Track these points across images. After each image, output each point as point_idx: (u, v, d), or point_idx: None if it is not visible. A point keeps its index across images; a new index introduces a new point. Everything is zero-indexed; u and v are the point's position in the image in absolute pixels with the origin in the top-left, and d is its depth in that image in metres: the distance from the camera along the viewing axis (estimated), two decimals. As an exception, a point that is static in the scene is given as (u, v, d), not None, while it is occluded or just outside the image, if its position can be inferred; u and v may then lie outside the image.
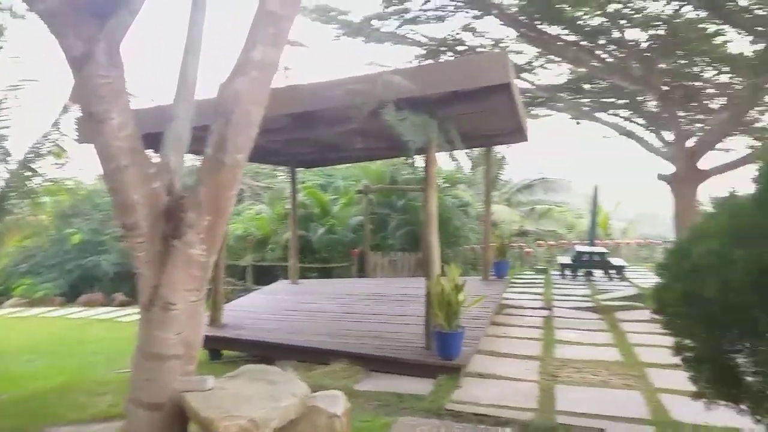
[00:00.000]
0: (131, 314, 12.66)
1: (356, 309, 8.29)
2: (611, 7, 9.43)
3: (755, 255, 2.69)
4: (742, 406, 2.99)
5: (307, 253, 14.58)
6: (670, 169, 10.22)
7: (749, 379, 3.00)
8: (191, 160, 8.18)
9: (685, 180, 9.66)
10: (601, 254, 14.33)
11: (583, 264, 14.29)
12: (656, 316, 3.37)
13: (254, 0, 3.16)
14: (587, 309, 9.74)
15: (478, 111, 6.23)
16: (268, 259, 15.54)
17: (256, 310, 8.41)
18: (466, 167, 21.86)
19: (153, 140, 3.55)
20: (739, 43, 10.01)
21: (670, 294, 2.96)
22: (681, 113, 10.10)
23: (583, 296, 11.16)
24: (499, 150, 21.07)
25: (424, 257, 6.01)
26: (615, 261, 14.59)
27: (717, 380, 3.03)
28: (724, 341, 2.90)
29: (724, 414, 3.37)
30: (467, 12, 10.73)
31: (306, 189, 16.42)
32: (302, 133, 7.24)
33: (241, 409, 2.65)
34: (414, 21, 11.21)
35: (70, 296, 16.15)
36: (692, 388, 5.22)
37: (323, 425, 2.90)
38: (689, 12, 9.38)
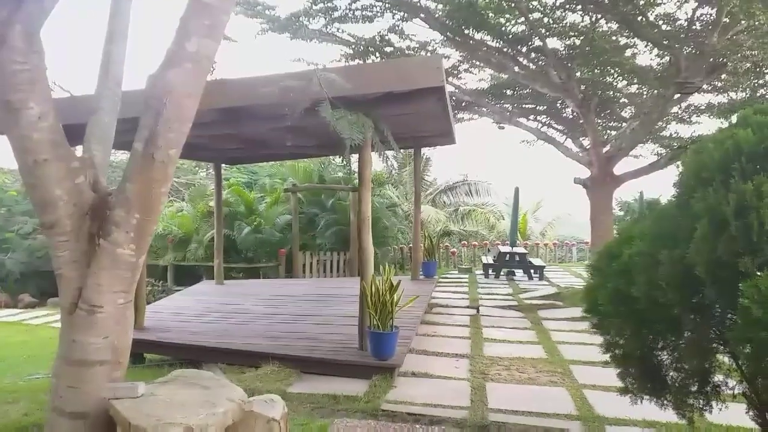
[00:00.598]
0: (40, 316, 11.83)
1: (286, 310, 8.13)
2: (532, 16, 9.80)
3: (678, 256, 2.84)
4: (665, 401, 3.16)
5: (232, 252, 14.19)
6: (586, 173, 10.73)
7: (672, 374, 3.17)
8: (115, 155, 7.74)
9: (600, 184, 10.18)
10: (522, 255, 14.86)
11: (506, 264, 14.78)
12: (587, 315, 3.51)
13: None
14: (511, 307, 10.06)
15: (412, 112, 6.26)
16: (190, 258, 14.99)
17: (179, 312, 8.07)
18: (391, 168, 22.08)
19: (68, 133, 3.31)
20: (647, 56, 10.72)
21: (601, 293, 3.09)
22: (597, 120, 10.63)
23: (507, 295, 11.52)
24: (424, 152, 21.46)
25: (359, 257, 5.99)
26: (535, 261, 15.19)
27: (643, 376, 3.19)
28: (651, 339, 3.06)
29: (647, 408, 3.57)
30: (394, 13, 10.79)
31: (230, 186, 15.98)
32: (231, 129, 7.01)
33: (175, 415, 2.51)
34: (342, 19, 11.13)
35: (-31, 299, 14.90)
36: (615, 384, 5.52)
37: (262, 430, 2.80)
38: (604, 25, 9.89)
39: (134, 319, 3.07)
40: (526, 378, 5.84)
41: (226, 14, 3.02)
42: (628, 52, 10.47)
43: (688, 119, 10.76)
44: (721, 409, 3.13)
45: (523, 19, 9.25)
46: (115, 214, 2.85)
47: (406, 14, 10.58)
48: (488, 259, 15.67)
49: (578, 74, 10.07)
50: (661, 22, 9.46)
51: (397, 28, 11.19)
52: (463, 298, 11.05)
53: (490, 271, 14.79)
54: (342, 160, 6.78)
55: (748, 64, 8.82)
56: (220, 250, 10.68)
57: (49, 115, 2.81)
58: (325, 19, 11.15)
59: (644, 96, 10.81)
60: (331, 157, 17.53)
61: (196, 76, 2.96)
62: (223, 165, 11.15)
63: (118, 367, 2.86)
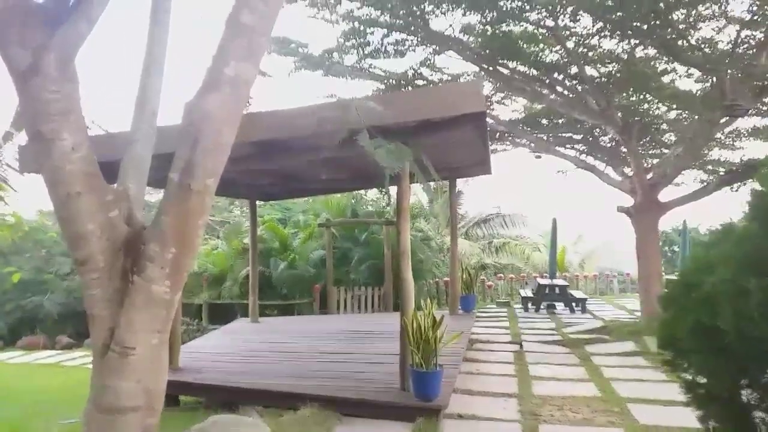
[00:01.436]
0: (77, 358, 11.80)
1: (324, 348, 7.88)
2: (568, 43, 9.62)
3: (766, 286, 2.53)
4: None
5: (267, 289, 14.05)
6: (628, 201, 10.34)
7: (759, 414, 2.82)
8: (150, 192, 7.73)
9: (645, 212, 9.77)
10: (563, 287, 14.37)
11: (546, 297, 14.29)
12: (662, 351, 3.17)
13: (221, 17, 2.90)
14: (556, 343, 9.61)
15: (450, 140, 6.08)
16: (225, 296, 14.91)
17: (215, 351, 7.89)
18: (424, 200, 21.90)
19: (104, 170, 3.20)
20: (687, 80, 10.37)
21: (679, 326, 2.78)
22: (639, 147, 10.28)
23: (549, 329, 11.06)
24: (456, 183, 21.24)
25: (400, 292, 5.73)
26: (576, 294, 14.66)
27: (726, 418, 2.84)
28: (738, 376, 2.72)
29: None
30: (426, 46, 10.74)
31: (265, 223, 15.96)
32: (265, 164, 6.94)
33: (213, 471, 2.29)
34: (374, 55, 11.13)
35: (9, 339, 15.03)
36: (677, 425, 5.12)
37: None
38: (640, 51, 9.61)
39: (169, 360, 2.89)
40: (582, 419, 5.43)
41: (265, 36, 2.89)
42: (668, 78, 10.17)
43: (731, 144, 10.31)
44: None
45: (559, 47, 9.06)
46: (149, 248, 2.69)
47: (438, 47, 10.51)
48: (527, 292, 15.20)
49: (617, 101, 9.78)
50: (703, 45, 9.12)
51: (429, 61, 11.13)
52: (504, 333, 10.62)
53: (529, 305, 14.33)
54: (381, 192, 6.59)
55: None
56: (255, 287, 10.55)
57: (82, 146, 2.69)
58: (358, 54, 11.16)
59: (685, 122, 10.42)
60: (364, 191, 17.49)
61: (234, 101, 2.83)
62: (258, 202, 11.11)
63: (153, 413, 2.66)
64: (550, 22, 8.69)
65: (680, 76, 10.18)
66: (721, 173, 10.02)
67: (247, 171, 7.53)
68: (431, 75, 11.45)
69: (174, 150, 2.79)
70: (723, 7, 8.38)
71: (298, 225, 17.42)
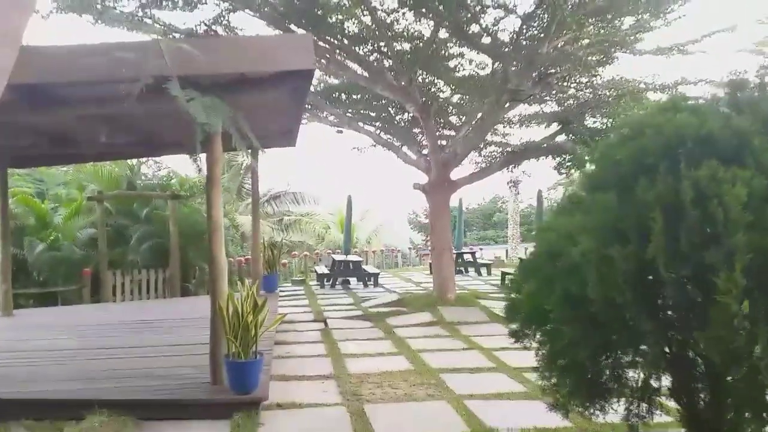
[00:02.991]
0: None
1: (107, 343, 6.68)
2: (369, 19, 9.55)
3: (631, 252, 2.55)
4: (608, 409, 2.87)
5: (20, 275, 11.71)
6: (424, 178, 10.73)
7: (612, 384, 2.89)
8: None
9: (439, 189, 10.24)
10: (357, 263, 14.63)
11: (341, 273, 14.41)
12: (514, 324, 3.09)
13: None
14: (358, 318, 9.62)
15: (269, 101, 5.48)
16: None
17: (-48, 357, 6.17)
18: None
19: None
20: (475, 66, 11.07)
21: (550, 297, 2.69)
22: (436, 126, 10.72)
23: (349, 305, 11.10)
24: (240, 158, 20.24)
25: (211, 273, 5.00)
26: (369, 269, 15.06)
27: (582, 386, 2.86)
28: (605, 344, 2.74)
29: (540, 416, 3.36)
30: (220, 1, 9.69)
31: (15, 196, 13.27)
32: (28, 117, 5.54)
33: None
34: (158, 3, 9.68)
35: None
36: (491, 391, 5.34)
37: None
38: (441, 31, 9.93)
39: None
40: (403, 394, 5.36)
41: None
42: (455, 62, 10.72)
43: (515, 126, 11.34)
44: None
45: (367, 16, 8.88)
46: None
47: (233, 3, 9.55)
48: (323, 269, 15.18)
49: (419, 79, 10.02)
50: (491, 31, 9.63)
51: (223, 19, 10.09)
52: (306, 312, 10.35)
53: (325, 281, 14.29)
54: (193, 158, 5.71)
55: (571, 74, 9.51)
56: (7, 274, 8.60)
57: None
58: (139, 1, 9.64)
59: (470, 105, 11.09)
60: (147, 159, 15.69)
61: None
62: (9, 169, 9.04)
63: None
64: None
65: (470, 61, 10.79)
66: (508, 152, 10.93)
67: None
68: (225, 35, 10.44)
69: None
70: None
71: (59, 199, 14.92)
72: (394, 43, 9.32)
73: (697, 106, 2.92)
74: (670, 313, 2.63)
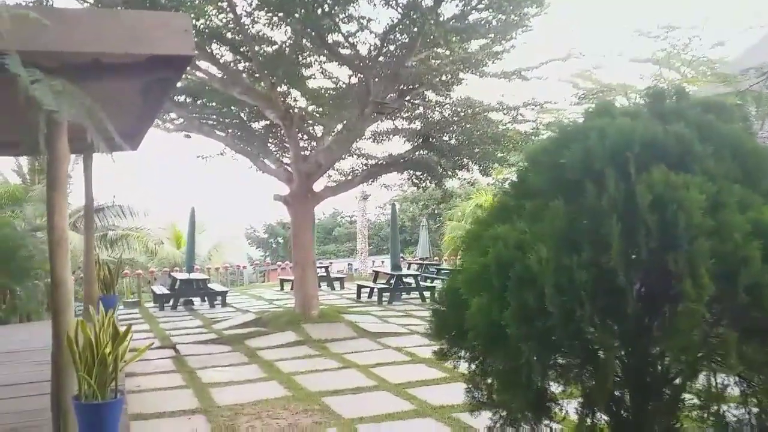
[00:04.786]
0: None
1: None
2: (222, 18, 8.88)
3: (586, 261, 2.42)
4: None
5: None
6: (285, 190, 10.21)
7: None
8: None
9: (301, 201, 9.78)
10: (203, 281, 13.54)
11: (184, 293, 13.19)
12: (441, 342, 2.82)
13: None
14: (213, 342, 8.77)
15: (127, 92, 4.66)
16: None
17: None
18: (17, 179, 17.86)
19: None
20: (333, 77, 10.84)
21: (499, 310, 2.45)
22: (300, 136, 10.25)
23: (198, 327, 10.13)
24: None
25: (54, 295, 4.05)
26: (216, 287, 14.01)
27: (527, 404, 2.67)
28: (559, 358, 2.56)
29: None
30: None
31: None
32: None
33: None
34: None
35: None
36: (380, 413, 5.03)
37: None
38: (303, 39, 9.53)
39: None
40: (287, 425, 4.84)
41: None
42: (310, 71, 10.40)
43: (379, 140, 11.26)
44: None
45: (228, 11, 8.17)
46: None
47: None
48: (161, 289, 13.76)
49: (283, 86, 9.51)
50: (353, 42, 9.45)
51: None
52: (148, 338, 9.18)
53: (165, 303, 12.93)
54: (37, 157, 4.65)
55: (433, 90, 9.68)
56: None
57: None
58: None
59: (331, 116, 10.84)
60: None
61: None
62: None
63: None
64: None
65: (323, 73, 10.50)
66: (372, 165, 10.80)
67: None
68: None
69: None
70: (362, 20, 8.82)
71: None
72: (256, 46, 8.72)
73: (628, 111, 2.92)
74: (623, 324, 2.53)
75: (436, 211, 34.27)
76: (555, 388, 2.75)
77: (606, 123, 2.71)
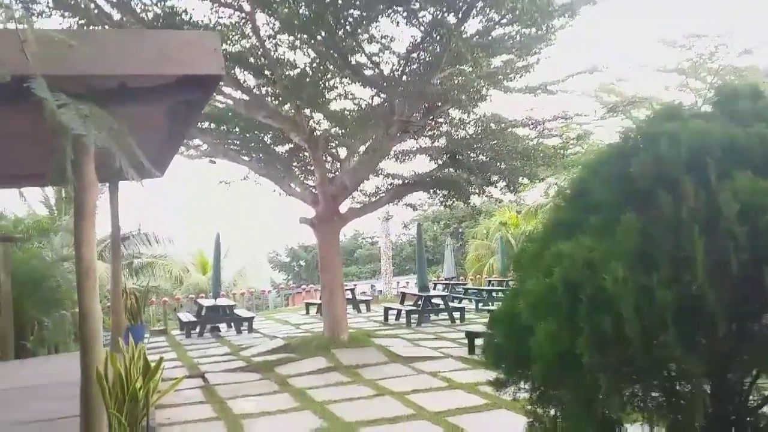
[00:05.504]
0: None
1: None
2: (245, 42, 8.85)
3: (666, 279, 2.16)
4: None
5: None
6: (309, 212, 10.08)
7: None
8: None
9: (327, 222, 9.63)
10: (229, 307, 13.39)
11: (211, 319, 13.05)
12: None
13: None
14: (242, 369, 8.55)
15: (155, 115, 4.55)
16: None
17: None
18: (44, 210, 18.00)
19: None
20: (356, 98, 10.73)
21: (570, 338, 2.20)
22: (324, 158, 10.13)
23: (226, 355, 9.92)
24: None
25: (83, 327, 3.89)
26: (242, 313, 13.85)
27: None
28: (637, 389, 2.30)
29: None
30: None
31: None
32: None
33: None
34: None
35: None
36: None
37: None
38: (325, 62, 9.42)
39: None
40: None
41: None
42: (333, 94, 10.31)
43: (402, 159, 11.10)
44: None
45: (251, 36, 8.14)
46: None
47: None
48: (187, 317, 13.64)
49: (307, 110, 9.42)
50: (376, 62, 9.30)
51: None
52: (176, 366, 9.00)
53: (192, 330, 12.79)
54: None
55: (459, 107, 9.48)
56: None
57: None
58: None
59: (355, 136, 10.69)
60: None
61: None
62: None
63: None
64: (246, 6, 7.73)
65: (347, 95, 10.41)
66: (398, 185, 10.63)
67: None
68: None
69: None
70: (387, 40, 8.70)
71: None
72: (280, 69, 8.64)
73: (699, 114, 2.69)
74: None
75: (458, 230, 33.96)
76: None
77: (677, 127, 2.47)
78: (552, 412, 2.79)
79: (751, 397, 2.44)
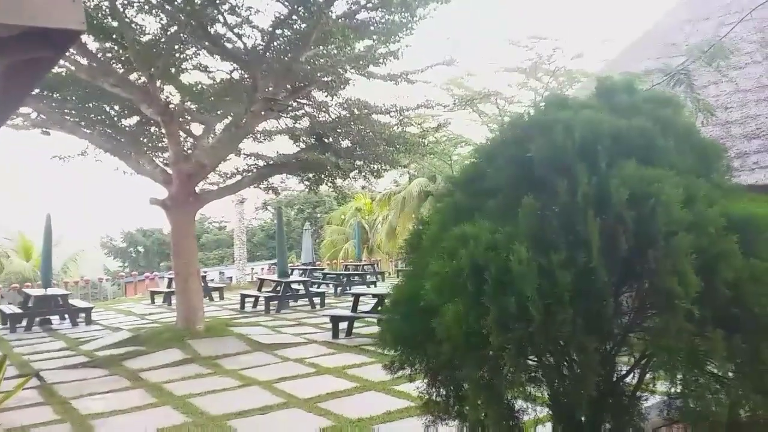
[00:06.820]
0: None
1: None
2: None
3: (563, 260, 2.29)
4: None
5: None
6: (161, 192, 9.33)
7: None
8: None
9: (182, 205, 8.96)
10: (64, 296, 12.04)
11: (40, 311, 11.63)
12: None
13: None
14: (84, 365, 7.73)
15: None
16: None
17: None
18: None
19: None
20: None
21: (475, 318, 2.23)
22: (182, 134, 9.39)
23: (63, 350, 8.94)
24: None
25: None
26: (79, 303, 12.55)
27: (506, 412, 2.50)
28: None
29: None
30: None
31: None
32: None
33: None
34: None
35: None
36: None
37: None
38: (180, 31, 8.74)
39: None
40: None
41: None
42: (189, 65, 9.63)
43: (262, 140, 10.65)
44: None
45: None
46: None
47: None
48: (11, 308, 12.03)
49: (160, 81, 8.64)
50: (238, 33, 8.82)
51: None
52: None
53: (17, 324, 11.29)
54: None
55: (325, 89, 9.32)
56: None
57: None
58: None
59: (215, 112, 10.06)
60: None
61: None
62: None
63: None
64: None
65: (205, 67, 9.81)
66: (262, 166, 10.18)
67: None
68: None
69: None
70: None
71: None
72: (131, 33, 7.83)
73: (586, 104, 2.85)
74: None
75: (314, 215, 33.90)
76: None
77: (570, 116, 2.61)
78: (444, 392, 2.85)
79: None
